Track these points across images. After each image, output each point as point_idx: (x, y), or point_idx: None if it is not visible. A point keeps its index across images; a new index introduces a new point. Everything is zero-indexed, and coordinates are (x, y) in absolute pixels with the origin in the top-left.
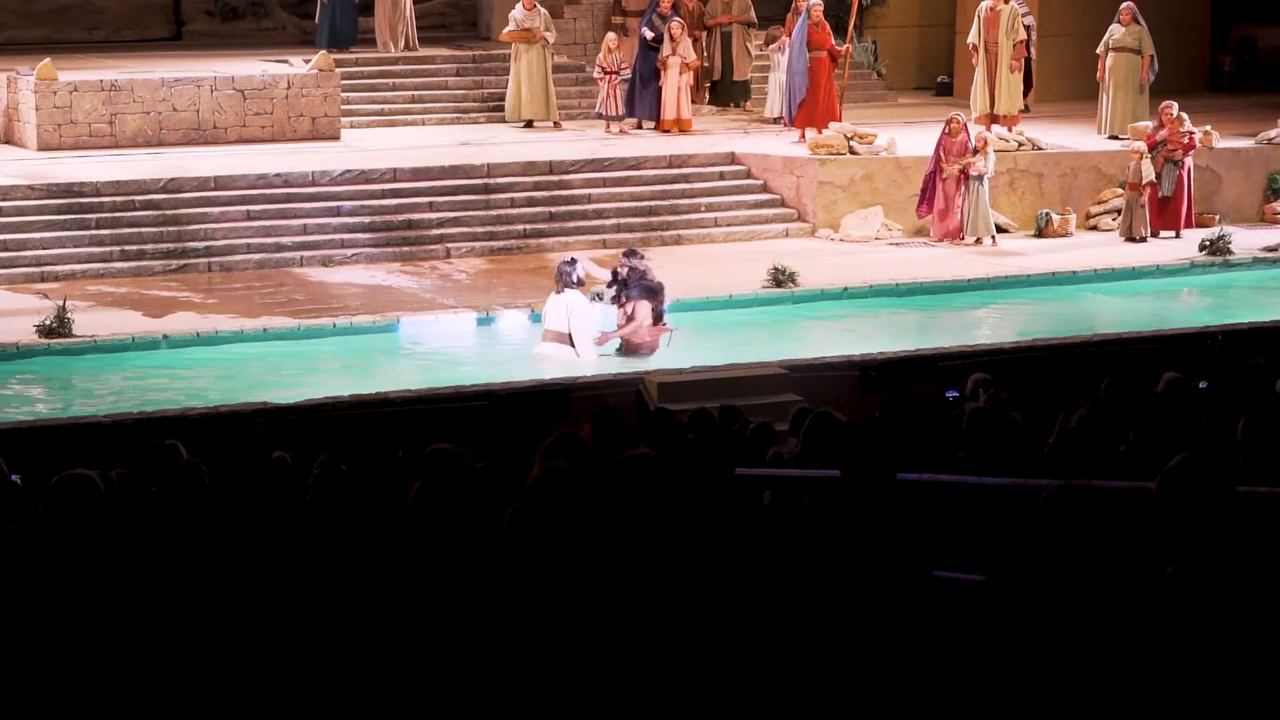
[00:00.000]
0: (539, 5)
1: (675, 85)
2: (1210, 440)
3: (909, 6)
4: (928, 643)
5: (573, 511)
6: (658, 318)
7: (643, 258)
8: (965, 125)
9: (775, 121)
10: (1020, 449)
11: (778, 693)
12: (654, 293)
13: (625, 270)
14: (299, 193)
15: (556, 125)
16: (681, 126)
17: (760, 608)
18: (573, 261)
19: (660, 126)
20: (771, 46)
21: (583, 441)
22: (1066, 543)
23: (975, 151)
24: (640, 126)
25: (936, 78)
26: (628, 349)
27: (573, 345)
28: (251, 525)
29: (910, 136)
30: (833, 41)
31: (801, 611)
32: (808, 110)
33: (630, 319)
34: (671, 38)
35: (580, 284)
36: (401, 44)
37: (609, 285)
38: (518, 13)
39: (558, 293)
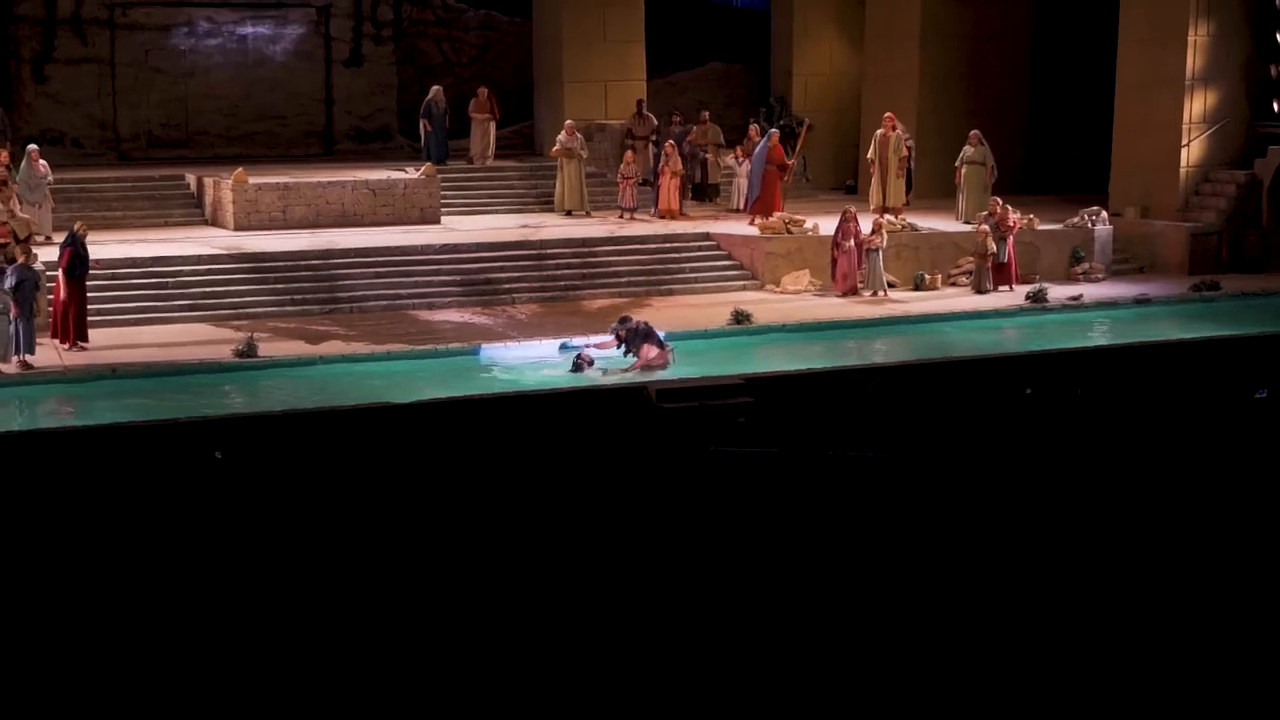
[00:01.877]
0: (576, 131)
1: (668, 187)
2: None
3: (827, 131)
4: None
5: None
6: (659, 345)
7: (629, 318)
8: (855, 215)
9: (737, 211)
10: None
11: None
12: (649, 335)
13: (625, 332)
14: (412, 259)
15: (588, 214)
16: (673, 215)
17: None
18: (579, 357)
19: (658, 213)
20: (734, 159)
21: None
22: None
23: (874, 232)
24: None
25: (845, 181)
26: (651, 368)
27: None
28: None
29: (828, 222)
30: (784, 157)
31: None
32: (761, 204)
33: (642, 356)
34: (666, 155)
35: (591, 365)
36: (484, 159)
37: (617, 346)
38: (562, 136)
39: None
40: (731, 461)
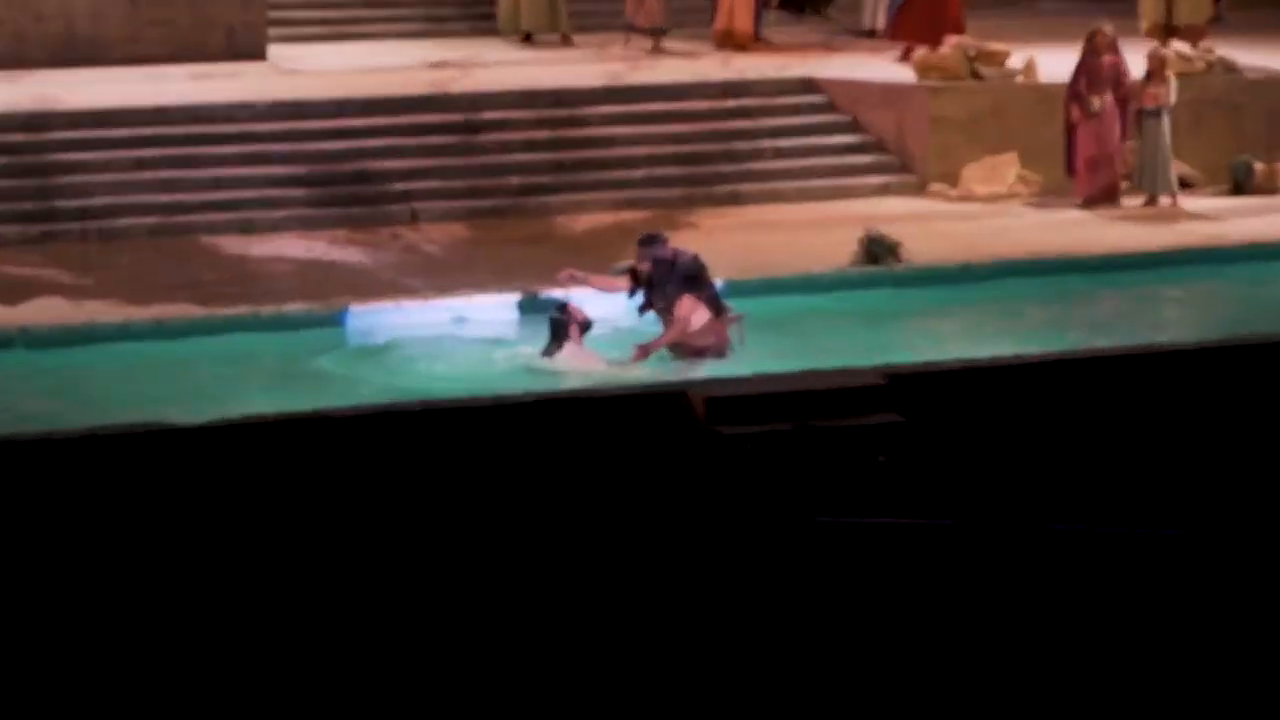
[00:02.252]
0: None
1: None
2: None
3: None
4: None
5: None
6: (715, 307)
7: (665, 240)
8: (1114, 40)
9: (869, 35)
10: None
11: None
12: (695, 280)
13: (647, 266)
14: (209, 133)
15: (566, 40)
16: (737, 41)
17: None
18: (564, 309)
19: (715, 38)
20: None
21: None
22: None
23: (1148, 76)
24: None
25: None
26: (689, 352)
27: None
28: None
29: (1056, 55)
30: None
31: None
32: (913, 17)
33: (676, 321)
34: None
35: (585, 331)
36: None
37: (630, 293)
38: None
39: (546, 355)
40: (858, 544)
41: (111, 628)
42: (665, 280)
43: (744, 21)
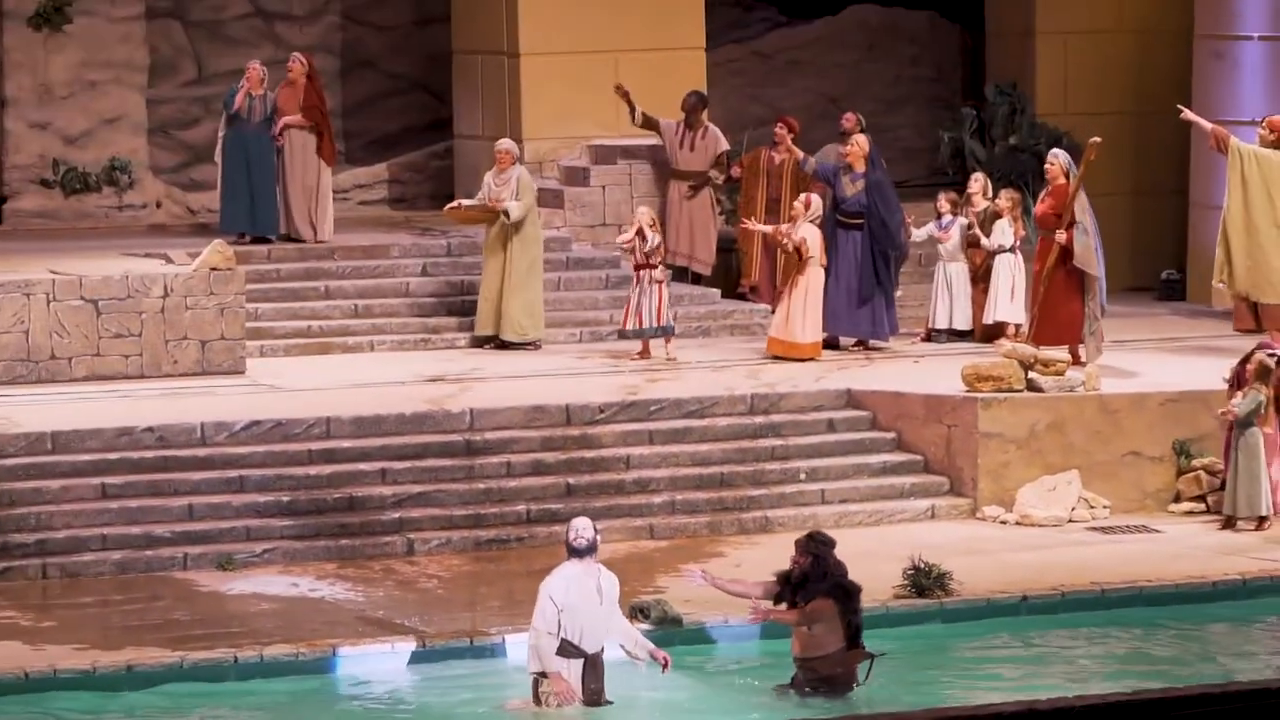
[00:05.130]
0: (518, 161)
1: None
2: None
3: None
4: None
5: None
6: (852, 637)
7: (831, 544)
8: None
9: (942, 335)
10: None
11: None
12: (847, 595)
13: (807, 561)
14: (182, 457)
15: (531, 344)
16: (798, 351)
17: None
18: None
19: (769, 348)
20: (946, 217)
21: None
22: None
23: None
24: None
25: (1161, 273)
26: (809, 681)
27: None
28: None
29: (1120, 361)
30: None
31: None
32: (1055, 325)
33: (807, 612)
34: (797, 209)
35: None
36: (328, 226)
37: (779, 582)
38: (490, 176)
39: (582, 563)
40: None
41: None
42: (816, 585)
43: (808, 329)
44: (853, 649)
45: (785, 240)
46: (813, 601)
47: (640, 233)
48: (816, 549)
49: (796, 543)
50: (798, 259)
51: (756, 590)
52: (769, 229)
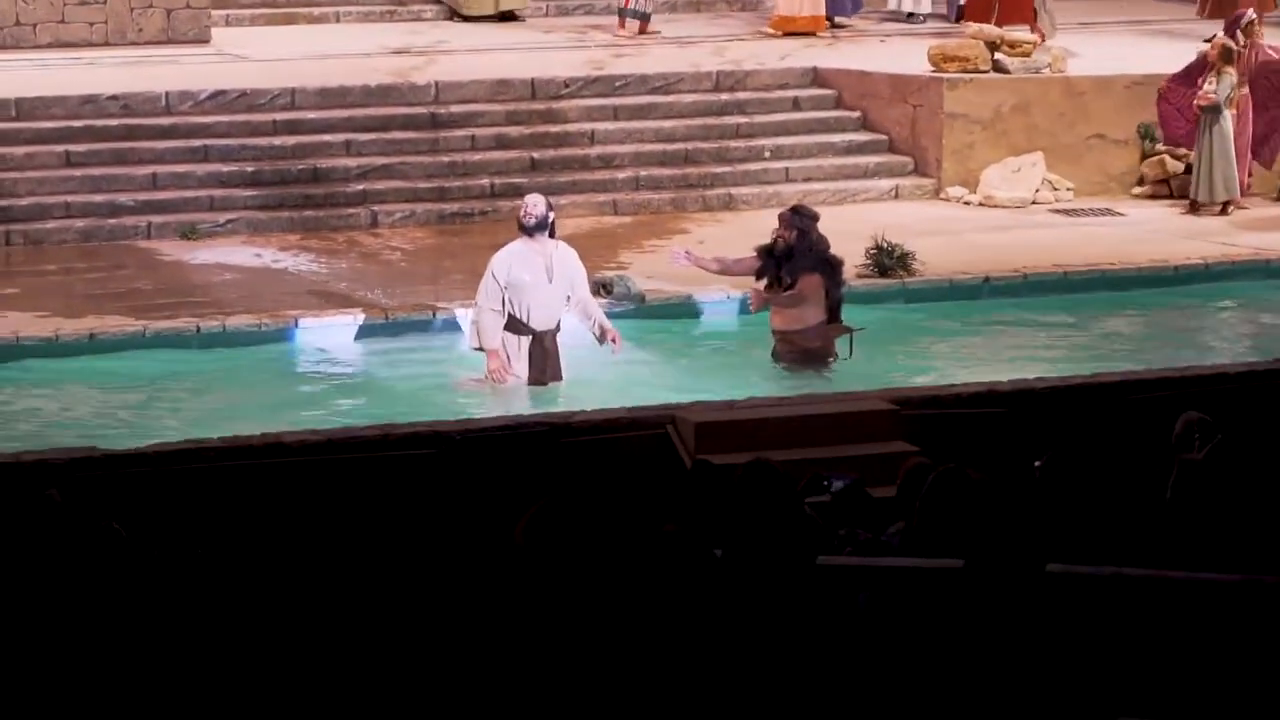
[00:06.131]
0: None
1: None
2: None
3: None
4: None
5: None
6: (834, 312)
7: (816, 217)
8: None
9: (909, 19)
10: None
11: None
12: (832, 268)
13: (792, 235)
14: (146, 125)
15: (512, 16)
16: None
17: None
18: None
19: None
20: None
21: None
22: None
23: (1215, 70)
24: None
25: None
26: (793, 353)
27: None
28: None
29: (1088, 44)
30: None
31: None
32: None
33: (795, 294)
34: None
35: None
36: None
37: (760, 256)
38: None
39: (532, 240)
40: (867, 587)
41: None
42: (802, 257)
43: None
44: (832, 324)
45: None
46: (800, 278)
47: None
48: (801, 223)
49: (780, 216)
50: None
51: (739, 267)
52: None
